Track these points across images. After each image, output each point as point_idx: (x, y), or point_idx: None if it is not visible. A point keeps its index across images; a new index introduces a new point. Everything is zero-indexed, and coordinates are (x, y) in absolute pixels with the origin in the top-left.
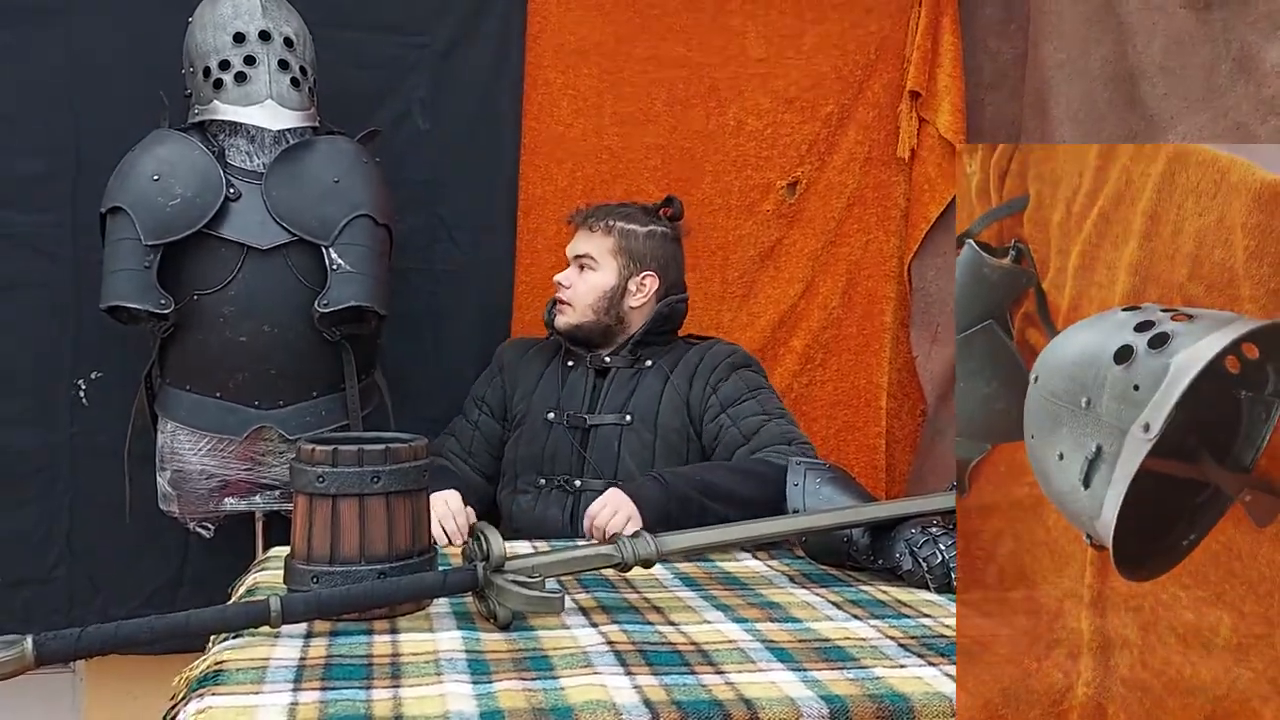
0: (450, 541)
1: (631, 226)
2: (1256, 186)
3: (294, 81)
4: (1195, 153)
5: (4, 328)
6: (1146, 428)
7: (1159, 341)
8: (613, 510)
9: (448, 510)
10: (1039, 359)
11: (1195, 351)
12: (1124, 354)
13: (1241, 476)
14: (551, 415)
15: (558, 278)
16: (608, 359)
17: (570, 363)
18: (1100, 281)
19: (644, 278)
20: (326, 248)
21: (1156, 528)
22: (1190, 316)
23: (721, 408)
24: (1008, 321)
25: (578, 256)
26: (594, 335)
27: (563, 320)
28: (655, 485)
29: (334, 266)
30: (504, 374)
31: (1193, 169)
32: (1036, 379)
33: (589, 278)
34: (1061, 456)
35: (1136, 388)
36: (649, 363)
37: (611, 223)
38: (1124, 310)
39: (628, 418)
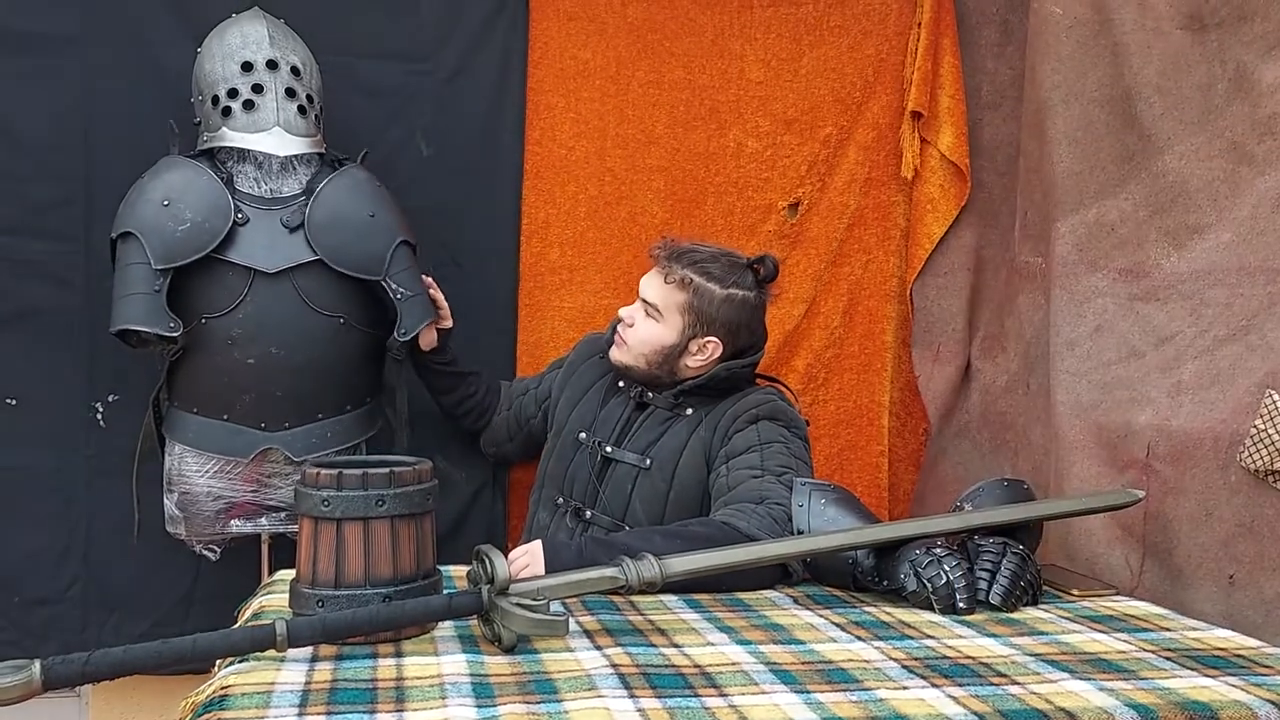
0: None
1: (709, 286)
2: None
3: (300, 109)
4: None
5: (21, 352)
6: None
7: None
8: (524, 564)
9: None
10: None
11: None
12: None
13: None
14: (583, 435)
15: (622, 311)
16: (650, 395)
17: (620, 383)
18: None
19: (707, 341)
20: (384, 280)
21: None
22: None
23: (727, 458)
24: None
25: (645, 301)
26: (642, 379)
27: (615, 353)
28: (572, 552)
29: (398, 295)
30: (565, 369)
31: None
32: None
33: (650, 327)
34: None
35: None
36: (689, 410)
37: (689, 278)
38: None
39: (647, 461)
